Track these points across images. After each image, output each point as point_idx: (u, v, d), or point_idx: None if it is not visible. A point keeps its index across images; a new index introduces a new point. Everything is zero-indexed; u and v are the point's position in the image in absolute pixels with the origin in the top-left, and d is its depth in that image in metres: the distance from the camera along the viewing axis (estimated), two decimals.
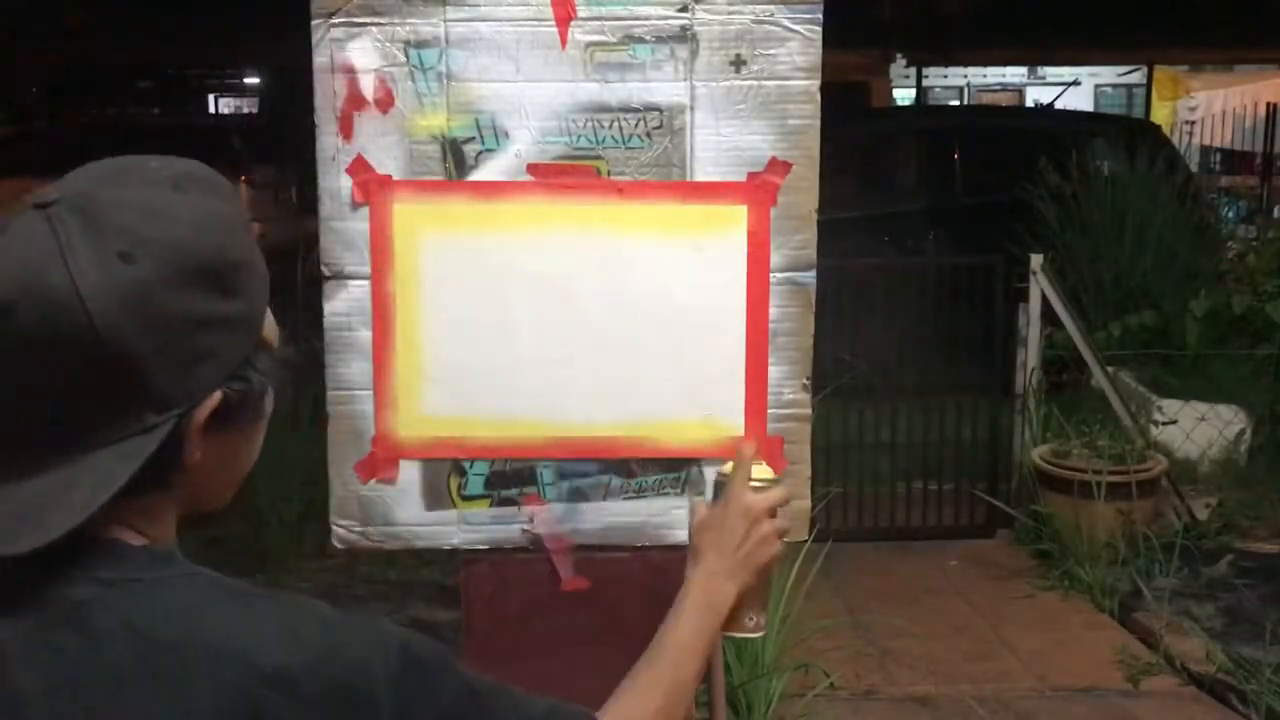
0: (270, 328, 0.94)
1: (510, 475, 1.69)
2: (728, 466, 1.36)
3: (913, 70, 15.74)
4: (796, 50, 1.63)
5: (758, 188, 1.64)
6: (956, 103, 17.41)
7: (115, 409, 0.83)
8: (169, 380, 0.84)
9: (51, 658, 0.82)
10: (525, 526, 1.71)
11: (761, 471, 1.33)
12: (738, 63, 1.63)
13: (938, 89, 17.58)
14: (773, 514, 1.33)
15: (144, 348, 0.82)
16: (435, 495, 1.68)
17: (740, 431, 1.68)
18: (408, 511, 1.68)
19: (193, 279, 0.84)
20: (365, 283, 1.64)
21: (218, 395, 0.87)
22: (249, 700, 0.83)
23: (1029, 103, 17.09)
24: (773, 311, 1.65)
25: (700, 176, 1.64)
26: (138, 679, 0.82)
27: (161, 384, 0.83)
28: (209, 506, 0.96)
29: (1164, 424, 5.04)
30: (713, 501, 1.34)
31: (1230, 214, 9.56)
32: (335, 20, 1.62)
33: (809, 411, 1.70)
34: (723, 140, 1.63)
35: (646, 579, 1.76)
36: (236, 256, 0.88)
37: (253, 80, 16.88)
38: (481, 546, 1.70)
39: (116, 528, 0.86)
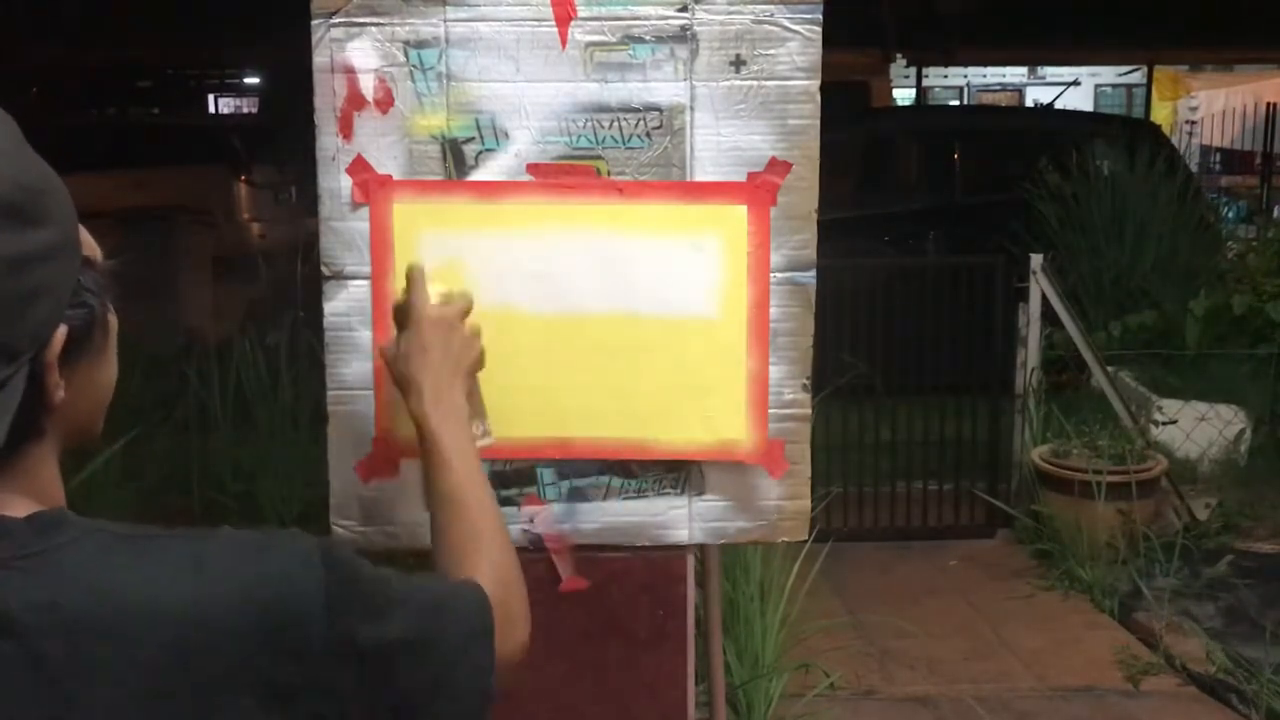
0: (89, 244, 0.90)
1: (510, 475, 1.69)
2: (399, 295, 1.38)
3: (913, 70, 15.73)
4: (796, 50, 1.63)
5: (758, 188, 1.63)
6: (956, 103, 17.41)
7: None
8: (7, 329, 0.80)
9: None
10: (525, 526, 1.71)
11: (435, 287, 1.36)
12: (738, 63, 1.63)
13: (938, 89, 17.57)
14: (463, 319, 1.35)
15: None
16: None
17: (741, 432, 1.68)
18: (408, 511, 1.67)
19: None
20: (365, 283, 1.64)
21: (63, 329, 0.84)
22: (176, 650, 0.80)
23: (1029, 103, 17.10)
24: (773, 311, 1.65)
25: (700, 176, 1.64)
26: (56, 659, 0.79)
27: (1, 335, 0.80)
28: (84, 439, 0.93)
29: (1164, 424, 5.05)
30: (398, 335, 1.35)
31: (1230, 214, 9.56)
32: (335, 20, 1.61)
33: (809, 411, 1.70)
34: (723, 140, 1.63)
35: (646, 579, 1.76)
36: (31, 182, 0.84)
37: (253, 80, 16.88)
38: None
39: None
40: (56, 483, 0.89)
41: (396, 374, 1.33)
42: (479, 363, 1.37)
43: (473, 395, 1.37)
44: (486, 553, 1.15)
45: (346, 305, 1.65)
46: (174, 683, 0.80)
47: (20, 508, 0.84)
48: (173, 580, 0.82)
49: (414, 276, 1.36)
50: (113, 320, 0.93)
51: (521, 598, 1.14)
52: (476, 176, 1.63)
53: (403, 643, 0.92)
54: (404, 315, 1.35)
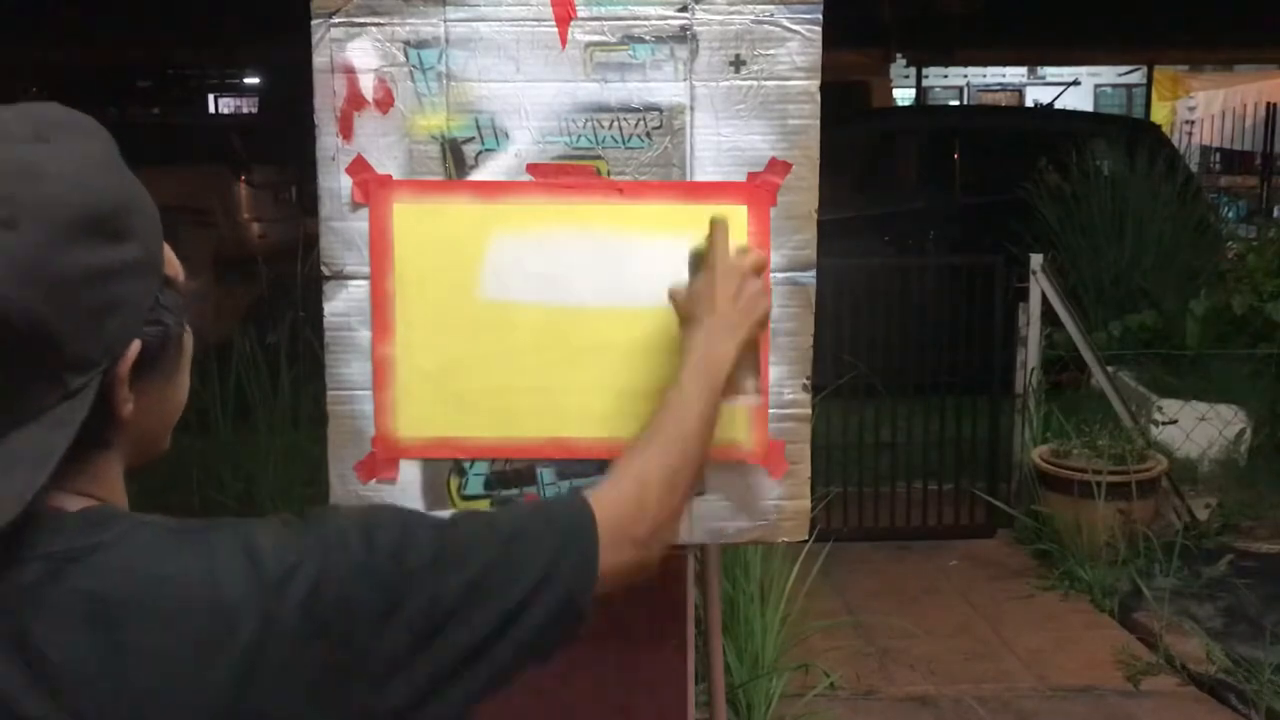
0: (172, 264, 0.92)
1: (510, 475, 1.69)
2: (700, 243, 1.43)
3: (913, 70, 15.73)
4: (796, 50, 1.63)
5: (758, 188, 1.63)
6: (956, 103, 17.41)
7: (34, 381, 0.81)
8: (82, 340, 0.82)
9: (14, 647, 0.79)
10: None
11: (737, 239, 1.42)
12: (737, 63, 1.63)
13: (938, 89, 17.57)
14: (757, 274, 1.40)
15: (49, 314, 0.80)
16: (435, 495, 1.68)
17: (741, 432, 1.67)
18: None
19: (81, 232, 0.81)
20: (365, 283, 1.64)
21: (136, 344, 0.85)
22: (225, 640, 0.82)
23: (1029, 103, 17.09)
24: (773, 311, 1.65)
25: (700, 176, 1.64)
26: (110, 649, 0.80)
27: (76, 346, 0.82)
28: (151, 454, 0.95)
29: (1164, 424, 5.05)
30: (690, 279, 1.41)
31: (1230, 214, 9.57)
32: (335, 20, 1.61)
33: (809, 412, 1.70)
34: (723, 140, 1.63)
35: (646, 579, 1.76)
36: (120, 199, 0.86)
37: (253, 80, 16.87)
38: None
39: (58, 495, 0.84)
40: (120, 493, 0.91)
41: (683, 313, 1.39)
42: (766, 319, 1.42)
43: (750, 350, 1.41)
44: (647, 451, 1.19)
45: (346, 305, 1.65)
46: (220, 672, 0.82)
47: (74, 506, 0.85)
48: (225, 570, 0.84)
49: (717, 226, 1.41)
50: (188, 341, 0.94)
51: (656, 500, 1.15)
52: (476, 176, 1.63)
53: (460, 598, 0.93)
54: (699, 262, 1.41)
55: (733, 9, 1.61)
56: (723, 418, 1.67)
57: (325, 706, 0.85)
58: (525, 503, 1.10)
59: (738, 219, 1.63)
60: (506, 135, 1.63)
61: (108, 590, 0.81)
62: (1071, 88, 15.70)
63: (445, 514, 1.03)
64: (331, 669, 0.85)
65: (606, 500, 1.11)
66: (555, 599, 1.00)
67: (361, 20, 1.61)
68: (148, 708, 0.80)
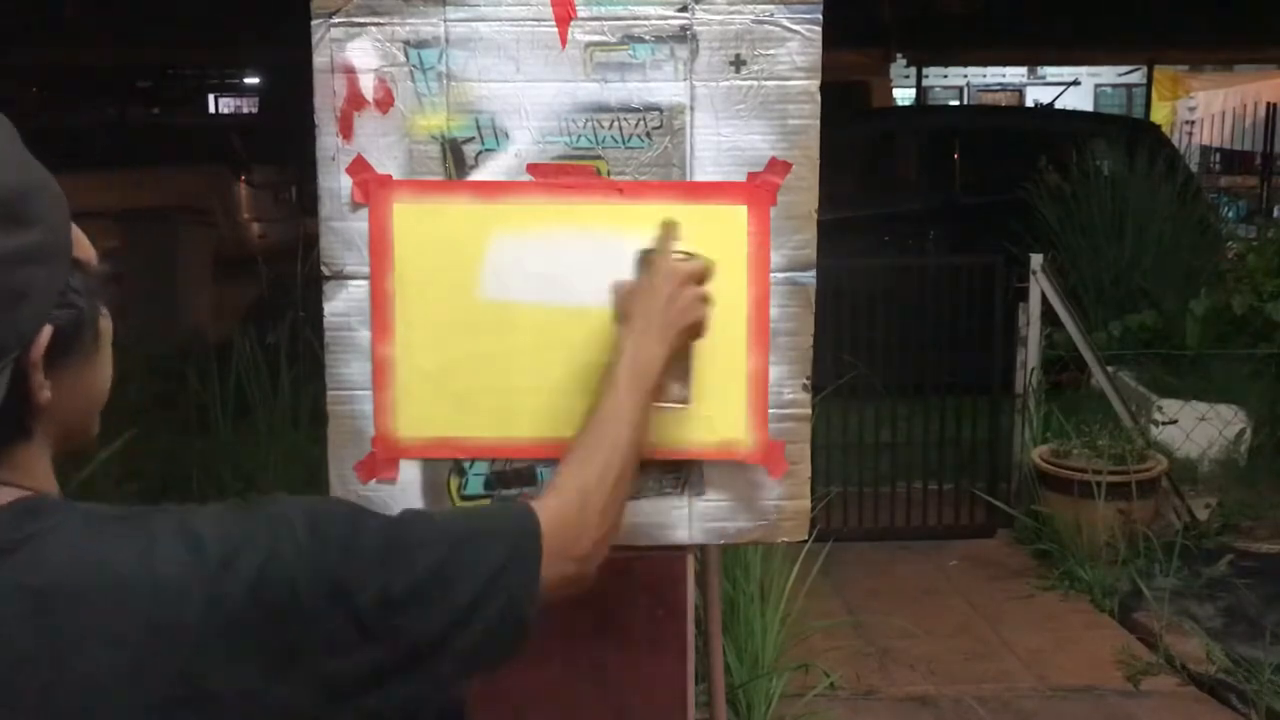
0: (82, 246, 0.90)
1: (510, 475, 1.68)
2: (651, 243, 1.44)
3: (913, 70, 15.73)
4: (796, 50, 1.63)
5: (758, 188, 1.63)
6: (956, 103, 17.41)
7: None
8: None
9: None
10: None
11: (684, 245, 1.43)
12: (738, 63, 1.63)
13: (938, 89, 17.57)
14: (698, 282, 1.39)
15: None
16: (435, 495, 1.68)
17: (741, 432, 1.68)
18: None
19: None
20: (365, 283, 1.64)
21: (48, 329, 0.84)
22: (169, 624, 0.81)
23: (1029, 103, 17.10)
24: (773, 311, 1.65)
25: (700, 176, 1.64)
26: (50, 640, 0.79)
27: None
28: (77, 441, 0.94)
29: (1164, 424, 5.05)
30: (636, 275, 1.42)
31: (1230, 214, 9.56)
32: (335, 20, 1.61)
33: (809, 412, 1.70)
34: (723, 140, 1.63)
35: (646, 579, 1.76)
36: (20, 184, 0.84)
37: (253, 80, 16.86)
38: None
39: None
40: (50, 483, 0.90)
41: (619, 307, 1.39)
42: (699, 327, 1.40)
43: (682, 357, 1.41)
44: (588, 464, 1.19)
45: (346, 305, 1.65)
46: (165, 655, 0.81)
47: (9, 498, 0.84)
48: (163, 557, 0.83)
49: (667, 227, 1.43)
50: (105, 324, 0.93)
51: (598, 513, 1.17)
52: (476, 176, 1.63)
53: (408, 594, 0.93)
54: (645, 263, 1.42)
55: (733, 9, 1.62)
56: (722, 419, 1.68)
57: (275, 685, 0.85)
58: (471, 507, 1.09)
59: (737, 219, 1.64)
60: (506, 135, 1.63)
61: (44, 582, 0.80)
62: (1071, 88, 15.70)
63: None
64: (279, 650, 0.85)
65: (551, 510, 1.11)
66: (500, 607, 1.00)
67: (361, 20, 1.61)
68: (92, 695, 0.80)
